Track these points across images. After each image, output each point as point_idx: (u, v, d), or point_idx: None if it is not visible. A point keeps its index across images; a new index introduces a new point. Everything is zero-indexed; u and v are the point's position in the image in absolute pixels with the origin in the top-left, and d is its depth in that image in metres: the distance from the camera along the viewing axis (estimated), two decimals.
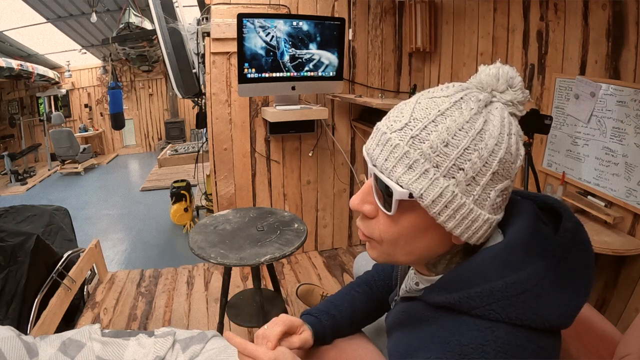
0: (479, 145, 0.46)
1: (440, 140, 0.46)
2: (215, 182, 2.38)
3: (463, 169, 0.46)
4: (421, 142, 0.46)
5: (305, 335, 0.72)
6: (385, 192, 0.49)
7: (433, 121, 0.46)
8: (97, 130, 7.69)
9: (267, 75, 2.05)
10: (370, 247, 0.56)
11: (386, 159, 0.48)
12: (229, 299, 1.68)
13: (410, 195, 0.47)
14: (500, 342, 0.46)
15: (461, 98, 0.48)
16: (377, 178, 0.50)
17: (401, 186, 0.47)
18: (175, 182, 3.50)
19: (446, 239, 0.51)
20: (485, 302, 0.47)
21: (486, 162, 0.46)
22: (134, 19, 5.21)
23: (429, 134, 0.46)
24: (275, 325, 0.67)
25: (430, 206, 0.47)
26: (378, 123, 0.53)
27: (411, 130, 0.47)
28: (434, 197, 0.46)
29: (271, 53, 2.02)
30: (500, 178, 0.48)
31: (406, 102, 0.51)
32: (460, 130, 0.46)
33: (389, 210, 0.49)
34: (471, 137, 0.46)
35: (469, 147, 0.46)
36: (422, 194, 0.46)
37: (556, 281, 0.49)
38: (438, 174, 0.46)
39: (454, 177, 0.46)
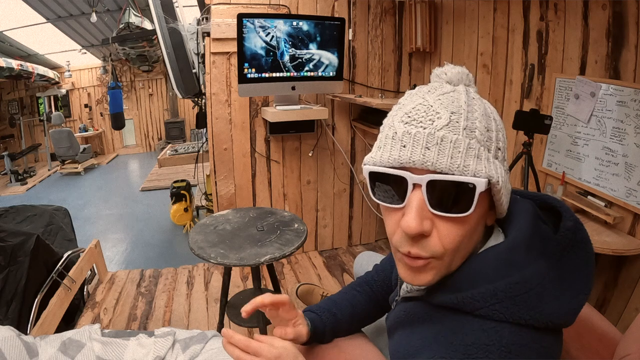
0: (499, 125, 0.51)
1: (483, 126, 0.48)
2: (215, 182, 2.38)
3: (500, 149, 0.50)
4: (472, 132, 0.47)
5: (300, 328, 0.71)
6: (456, 194, 0.46)
7: (468, 111, 0.48)
8: (97, 130, 7.69)
9: (267, 75, 2.05)
10: (423, 272, 0.51)
11: (452, 157, 0.45)
12: (229, 299, 1.68)
13: (487, 184, 0.47)
14: (505, 342, 0.46)
15: (466, 90, 0.50)
16: (434, 185, 0.46)
17: (480, 177, 0.46)
18: (175, 182, 3.49)
19: (484, 224, 0.53)
20: (488, 303, 0.48)
21: (505, 139, 0.52)
22: (134, 19, 5.21)
23: (473, 122, 0.47)
24: (265, 296, 0.68)
25: (500, 189, 0.48)
26: (397, 132, 0.48)
27: (458, 122, 0.47)
28: (499, 179, 0.47)
29: (271, 53, 2.02)
30: (506, 151, 0.53)
31: (420, 103, 0.49)
32: (486, 115, 0.49)
33: (466, 210, 0.46)
34: (494, 119, 0.50)
35: (497, 129, 0.50)
36: (498, 179, 0.47)
37: (557, 280, 0.49)
38: (492, 157, 0.48)
39: (497, 157, 0.49)
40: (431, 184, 0.46)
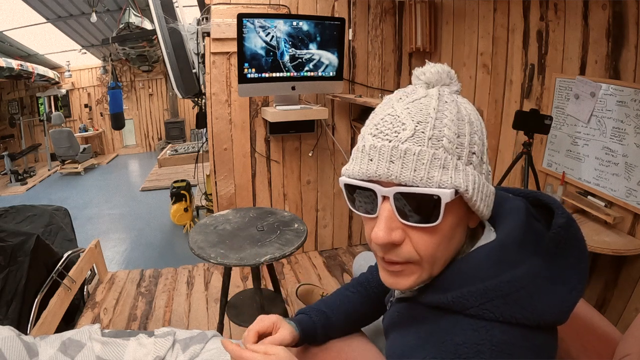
0: (474, 128, 0.49)
1: (453, 133, 0.47)
2: (215, 182, 2.38)
3: (475, 153, 0.49)
4: (439, 140, 0.47)
5: (279, 335, 0.68)
6: (422, 205, 0.47)
7: (436, 119, 0.47)
8: (97, 130, 7.69)
9: (267, 75, 2.05)
10: (402, 277, 0.52)
11: (415, 170, 0.45)
12: (229, 299, 1.68)
13: (455, 193, 0.46)
14: (495, 341, 0.46)
15: (439, 94, 0.50)
16: (401, 197, 0.47)
17: (445, 188, 0.46)
18: (175, 182, 3.49)
19: (465, 227, 0.53)
20: (479, 302, 0.47)
21: (483, 142, 0.51)
22: (134, 19, 5.21)
23: (441, 130, 0.47)
24: (249, 332, 0.66)
25: (471, 196, 0.47)
26: (365, 145, 0.49)
27: (423, 133, 0.46)
28: (472, 186, 0.47)
29: (271, 53, 2.02)
30: (487, 151, 0.52)
31: (389, 113, 0.49)
32: (459, 120, 0.48)
33: (434, 221, 0.47)
34: (468, 123, 0.49)
35: (471, 132, 0.49)
36: (466, 187, 0.46)
37: (550, 277, 0.49)
38: (463, 164, 0.47)
39: (471, 163, 0.48)
40: (398, 196, 0.47)
